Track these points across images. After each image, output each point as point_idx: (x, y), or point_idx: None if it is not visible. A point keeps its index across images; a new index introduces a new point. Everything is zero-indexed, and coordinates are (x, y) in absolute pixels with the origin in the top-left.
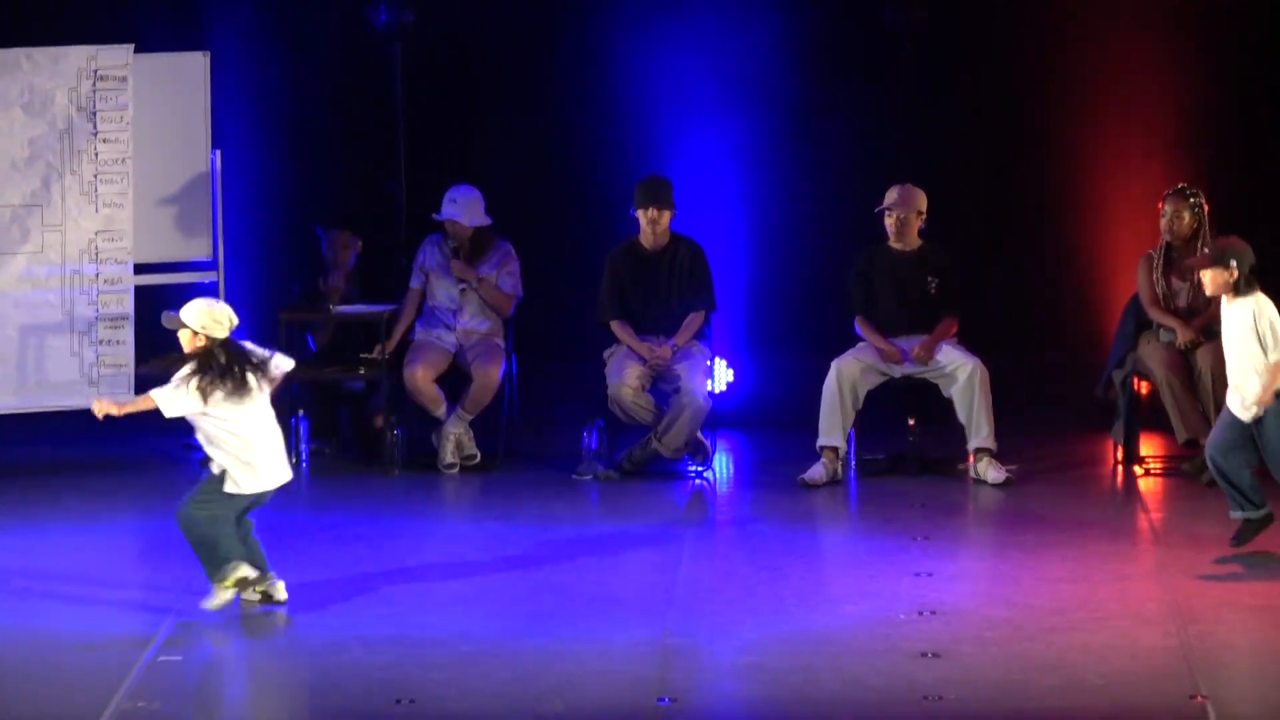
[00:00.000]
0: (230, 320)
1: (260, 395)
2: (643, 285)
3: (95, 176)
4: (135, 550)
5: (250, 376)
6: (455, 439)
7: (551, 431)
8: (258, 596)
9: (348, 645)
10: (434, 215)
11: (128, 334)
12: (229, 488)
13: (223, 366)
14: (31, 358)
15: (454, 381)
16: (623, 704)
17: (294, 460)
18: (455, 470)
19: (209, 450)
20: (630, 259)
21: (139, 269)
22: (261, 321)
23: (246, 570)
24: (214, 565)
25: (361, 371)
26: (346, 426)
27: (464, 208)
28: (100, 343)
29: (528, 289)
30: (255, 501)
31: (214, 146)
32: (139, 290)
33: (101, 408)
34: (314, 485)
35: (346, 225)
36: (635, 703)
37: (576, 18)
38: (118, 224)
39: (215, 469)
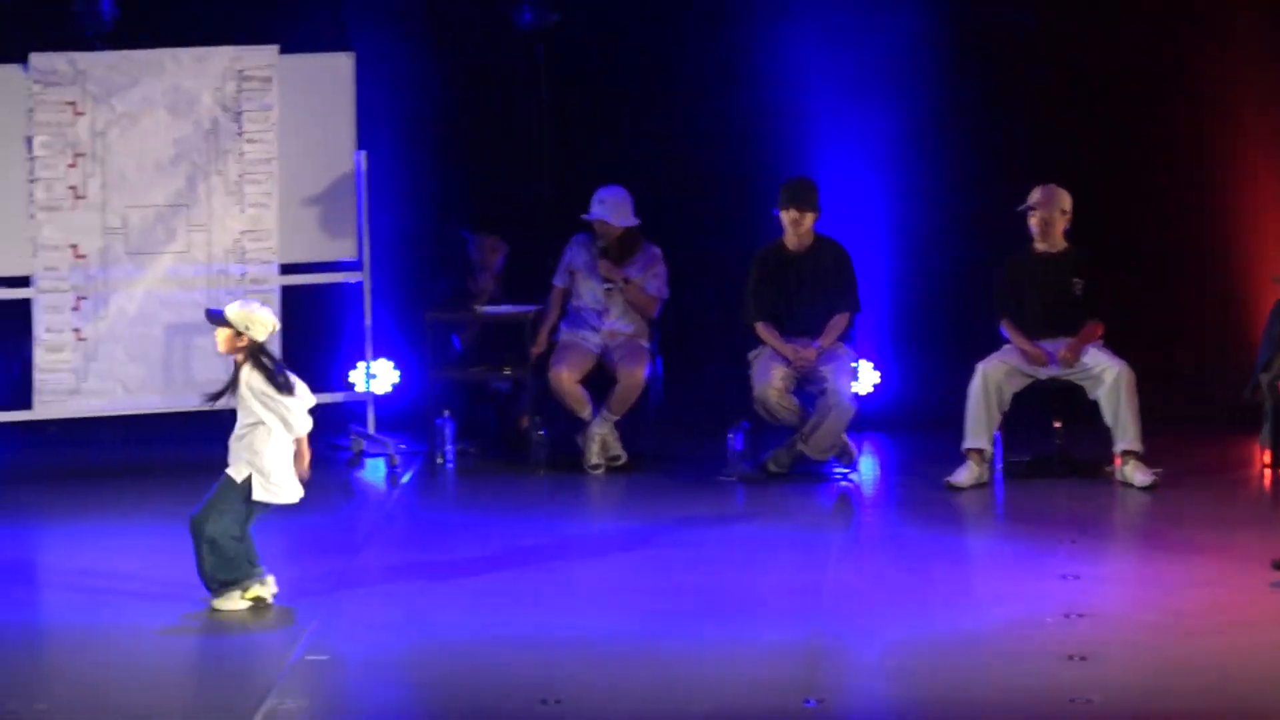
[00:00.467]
0: (274, 325)
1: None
2: (787, 287)
3: (240, 176)
4: (281, 549)
5: (292, 384)
6: (600, 439)
7: (697, 433)
8: (249, 602)
9: (492, 645)
10: (583, 215)
11: None
12: (258, 495)
13: (273, 362)
14: (177, 357)
15: (599, 382)
16: (769, 705)
17: (440, 460)
18: (600, 471)
19: (246, 454)
20: (774, 260)
21: (284, 269)
22: (407, 322)
23: (265, 591)
24: (229, 576)
25: (507, 372)
26: (492, 427)
27: (613, 208)
28: None
29: (673, 290)
30: (264, 512)
31: (359, 147)
32: (285, 290)
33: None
34: (459, 485)
35: (493, 229)
36: (781, 704)
37: (720, 16)
38: (263, 224)
39: (238, 476)
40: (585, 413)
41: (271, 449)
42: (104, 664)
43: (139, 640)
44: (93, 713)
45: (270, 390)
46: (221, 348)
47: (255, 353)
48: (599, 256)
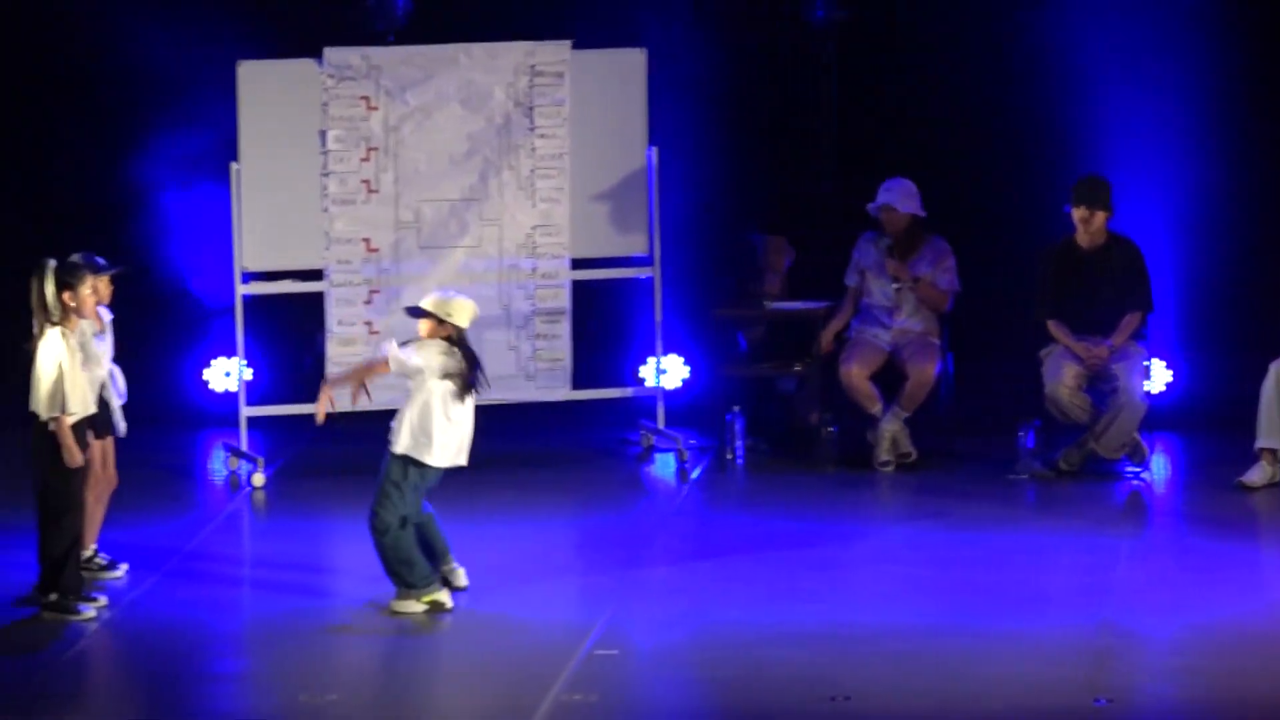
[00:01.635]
0: (474, 312)
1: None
2: (1078, 285)
3: (532, 172)
4: (572, 543)
5: (476, 381)
6: (891, 436)
7: (987, 430)
8: (425, 606)
9: (778, 641)
10: (868, 206)
11: (564, 328)
12: (423, 457)
13: (464, 355)
14: None
15: (889, 379)
16: (1057, 703)
17: (729, 455)
18: (890, 468)
19: (411, 423)
20: (1066, 258)
21: (575, 264)
22: (694, 317)
23: (445, 598)
24: (410, 577)
25: (797, 368)
26: (778, 423)
27: (900, 194)
28: (537, 337)
29: (963, 286)
30: (434, 484)
31: (650, 143)
32: (575, 285)
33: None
34: (749, 482)
35: (781, 228)
36: (1070, 702)
37: (1008, 11)
38: (555, 219)
39: (399, 448)
40: (876, 410)
41: (438, 415)
42: (393, 655)
43: (429, 631)
44: (382, 704)
45: (428, 349)
46: (426, 337)
47: (456, 340)
48: (886, 255)
